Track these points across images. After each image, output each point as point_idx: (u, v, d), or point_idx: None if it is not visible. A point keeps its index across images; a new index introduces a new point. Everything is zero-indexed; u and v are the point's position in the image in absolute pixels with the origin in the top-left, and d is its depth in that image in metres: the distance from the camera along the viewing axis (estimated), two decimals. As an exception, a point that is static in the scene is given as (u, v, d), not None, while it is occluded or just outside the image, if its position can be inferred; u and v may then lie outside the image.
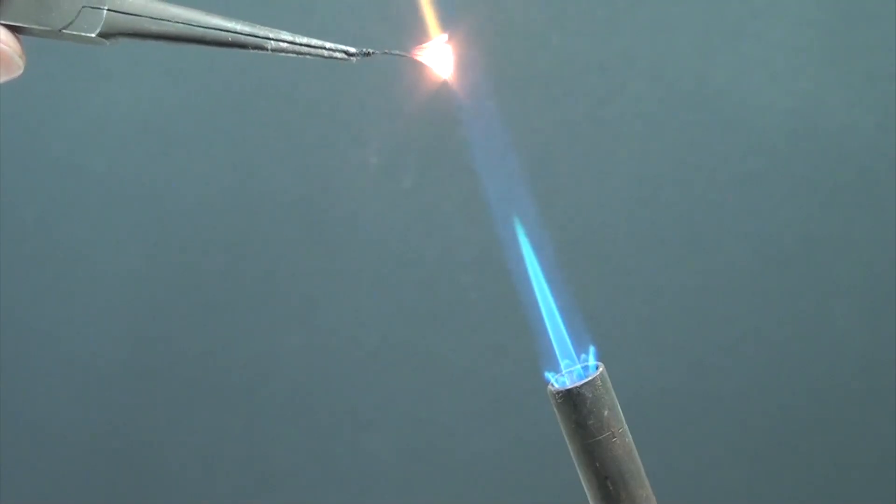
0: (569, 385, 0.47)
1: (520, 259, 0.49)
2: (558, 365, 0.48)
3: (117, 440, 1.23)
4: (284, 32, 0.48)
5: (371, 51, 0.49)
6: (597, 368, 0.47)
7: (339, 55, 0.49)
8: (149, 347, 1.22)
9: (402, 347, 1.21)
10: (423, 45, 0.50)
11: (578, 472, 0.48)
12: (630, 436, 0.47)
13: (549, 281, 0.49)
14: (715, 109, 1.17)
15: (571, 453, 0.47)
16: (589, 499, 0.48)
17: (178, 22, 0.48)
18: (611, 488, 0.47)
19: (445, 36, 0.50)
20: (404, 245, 1.20)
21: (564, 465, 0.51)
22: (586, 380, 0.47)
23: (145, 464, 1.23)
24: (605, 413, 0.46)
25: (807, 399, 1.20)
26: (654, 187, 1.19)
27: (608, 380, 0.47)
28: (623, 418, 0.47)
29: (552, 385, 0.48)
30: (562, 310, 0.49)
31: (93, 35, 0.47)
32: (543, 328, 0.48)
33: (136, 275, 1.22)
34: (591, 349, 0.48)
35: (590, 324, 0.49)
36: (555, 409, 0.47)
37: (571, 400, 0.47)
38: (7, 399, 1.22)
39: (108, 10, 0.47)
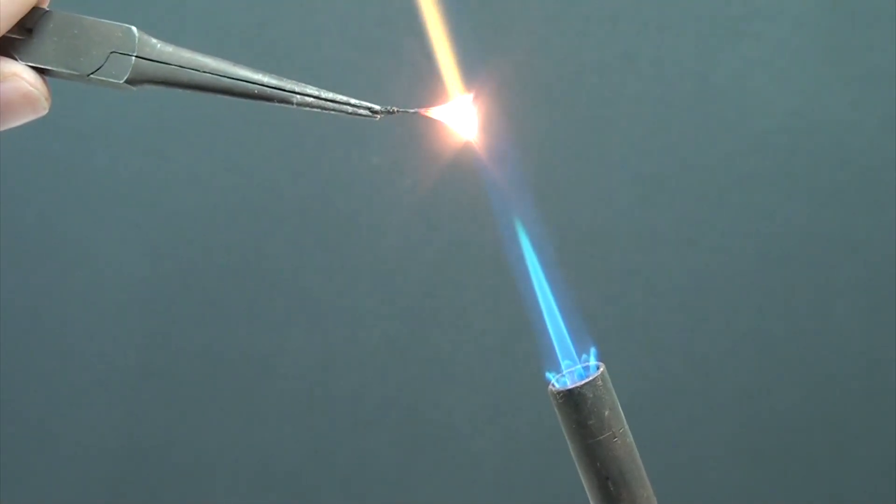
0: (570, 385, 0.47)
1: (520, 259, 0.49)
2: (559, 365, 0.48)
3: (118, 439, 1.23)
4: (310, 87, 0.48)
5: (395, 109, 0.50)
6: (598, 368, 0.47)
7: (363, 112, 0.49)
8: (148, 347, 1.22)
9: (402, 347, 1.21)
10: (446, 104, 0.51)
11: (579, 472, 0.48)
12: (631, 436, 0.47)
13: (550, 281, 0.49)
14: (715, 109, 1.17)
15: (572, 453, 0.47)
16: (590, 499, 0.48)
17: (205, 72, 0.47)
18: (611, 488, 0.47)
19: (469, 95, 0.50)
20: (404, 245, 1.20)
21: (565, 465, 0.51)
22: (587, 380, 0.47)
23: (145, 463, 1.23)
24: (606, 413, 0.46)
25: (807, 398, 1.20)
26: (654, 187, 1.19)
27: (609, 380, 0.47)
28: (624, 418, 0.47)
29: (553, 385, 0.48)
30: (562, 310, 0.48)
31: (120, 82, 0.47)
32: (544, 328, 0.48)
33: (135, 275, 1.22)
34: (592, 349, 0.48)
35: (590, 324, 0.49)
36: (556, 409, 0.47)
37: (572, 400, 0.46)
38: (8, 398, 1.22)
39: (137, 56, 0.47)
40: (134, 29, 0.47)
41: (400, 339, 1.21)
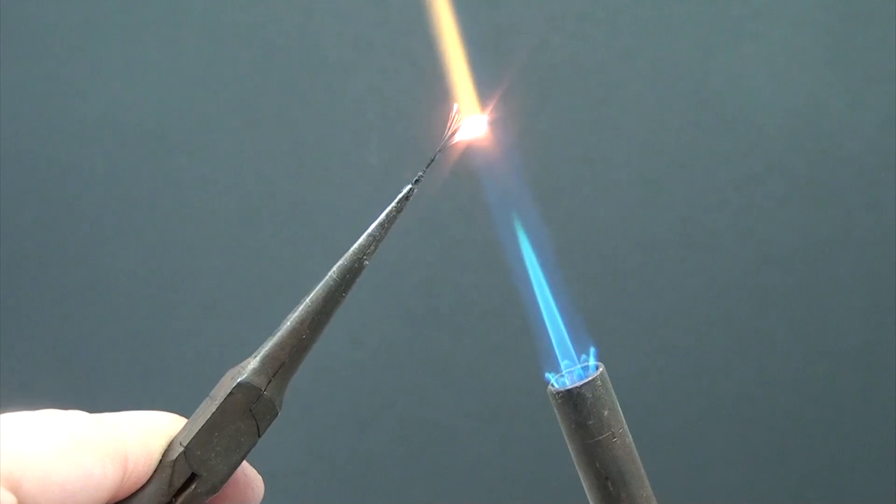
0: (569, 385, 0.47)
1: (520, 259, 0.49)
2: (558, 365, 0.48)
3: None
4: (361, 238, 0.48)
5: (421, 174, 0.49)
6: (597, 369, 0.47)
7: (406, 199, 0.48)
8: (148, 347, 1.22)
9: (402, 347, 1.21)
10: (458, 127, 0.50)
11: (578, 472, 0.47)
12: (630, 436, 0.47)
13: (549, 281, 0.49)
14: (715, 109, 1.17)
15: (571, 454, 0.47)
16: (589, 499, 0.48)
17: (306, 335, 0.46)
18: (611, 489, 0.47)
19: (485, 116, 0.50)
20: (404, 245, 1.20)
21: (564, 466, 0.51)
22: (586, 380, 0.47)
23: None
24: (605, 413, 0.46)
25: (807, 398, 1.20)
26: (654, 187, 1.19)
27: (608, 380, 0.47)
28: (623, 418, 0.47)
29: (552, 385, 0.48)
30: (562, 310, 0.48)
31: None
32: (543, 328, 0.48)
33: (136, 275, 1.22)
34: (592, 349, 0.48)
35: (590, 324, 0.49)
36: (555, 410, 0.47)
37: (571, 400, 0.46)
38: (9, 398, 1.22)
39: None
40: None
41: (400, 339, 1.21)
